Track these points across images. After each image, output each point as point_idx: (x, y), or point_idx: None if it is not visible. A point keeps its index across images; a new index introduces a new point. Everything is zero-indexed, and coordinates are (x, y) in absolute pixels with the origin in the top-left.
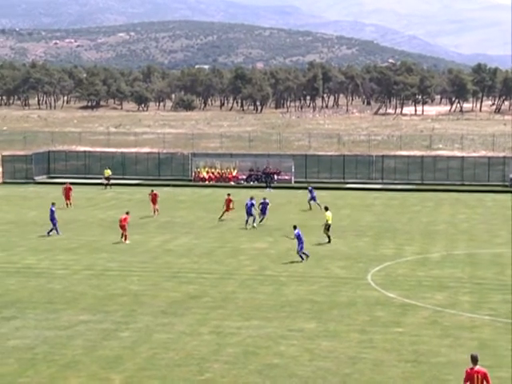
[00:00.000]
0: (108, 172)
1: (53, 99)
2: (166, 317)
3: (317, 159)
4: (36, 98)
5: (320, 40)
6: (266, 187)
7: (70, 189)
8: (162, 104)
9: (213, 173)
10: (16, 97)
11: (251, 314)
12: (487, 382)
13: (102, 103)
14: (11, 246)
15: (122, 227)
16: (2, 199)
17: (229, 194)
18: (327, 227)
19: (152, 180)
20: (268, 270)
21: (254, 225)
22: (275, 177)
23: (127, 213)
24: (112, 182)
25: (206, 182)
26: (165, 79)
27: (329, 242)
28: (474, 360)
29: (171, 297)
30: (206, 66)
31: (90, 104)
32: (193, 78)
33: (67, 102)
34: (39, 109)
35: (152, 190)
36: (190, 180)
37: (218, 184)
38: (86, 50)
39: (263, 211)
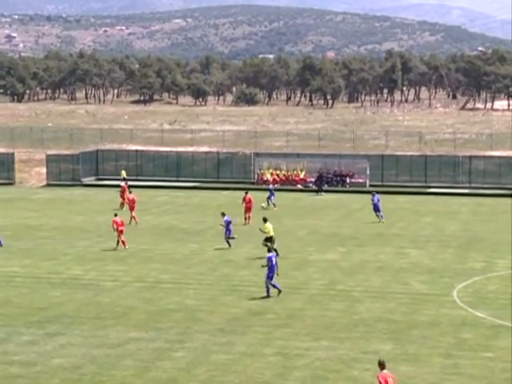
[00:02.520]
0: (123, 174)
1: (102, 93)
2: (224, 335)
3: (395, 160)
4: (83, 92)
5: (399, 25)
6: (317, 191)
7: (125, 189)
8: (221, 98)
9: (278, 175)
10: (62, 90)
11: (320, 333)
12: None
13: (155, 97)
14: (56, 254)
15: (120, 232)
16: (45, 203)
17: (246, 192)
18: (267, 239)
19: (210, 182)
20: (340, 284)
21: None
22: (347, 179)
23: (116, 215)
24: (165, 184)
25: (270, 186)
26: (225, 70)
27: (277, 254)
28: (382, 365)
29: (231, 313)
30: (271, 56)
31: (142, 98)
32: (256, 69)
33: (117, 96)
34: (87, 103)
35: (246, 193)
36: (253, 183)
37: (284, 187)
38: (139, 39)
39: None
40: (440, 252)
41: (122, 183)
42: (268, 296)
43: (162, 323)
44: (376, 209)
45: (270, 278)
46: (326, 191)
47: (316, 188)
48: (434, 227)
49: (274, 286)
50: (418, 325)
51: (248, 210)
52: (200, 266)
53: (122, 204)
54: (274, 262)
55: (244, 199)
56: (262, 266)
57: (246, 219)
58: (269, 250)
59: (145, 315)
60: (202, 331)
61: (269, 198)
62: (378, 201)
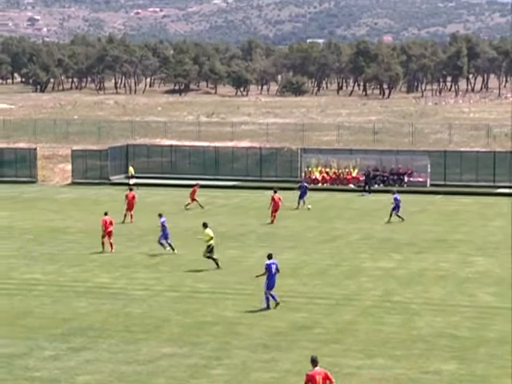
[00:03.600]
0: (131, 170)
1: (133, 81)
2: (267, 351)
3: (459, 157)
4: (113, 81)
5: (465, 6)
6: (363, 191)
7: (195, 191)
8: (265, 87)
9: (327, 173)
10: (89, 79)
11: (374, 350)
12: (330, 381)
13: (192, 86)
14: (82, 260)
15: (109, 233)
16: (70, 203)
17: (275, 191)
18: (208, 249)
19: (252, 181)
20: (396, 295)
21: None
22: (405, 178)
23: (106, 214)
24: (202, 183)
25: (319, 185)
26: (269, 57)
27: (217, 266)
28: (314, 362)
29: (274, 327)
30: (321, 41)
31: (177, 87)
32: (304, 55)
33: (150, 85)
34: (116, 93)
35: (275, 192)
36: (300, 182)
37: (334, 187)
38: (174, 22)
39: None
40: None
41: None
42: (268, 308)
43: (197, 337)
44: (397, 208)
45: (269, 287)
46: (380, 191)
47: (362, 188)
48: (504, 232)
49: (272, 297)
50: (485, 342)
51: (276, 210)
52: (240, 275)
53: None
54: (273, 271)
55: (273, 198)
56: (257, 276)
57: (272, 220)
58: (269, 257)
59: (179, 328)
60: (242, 347)
61: (301, 197)
62: (400, 201)
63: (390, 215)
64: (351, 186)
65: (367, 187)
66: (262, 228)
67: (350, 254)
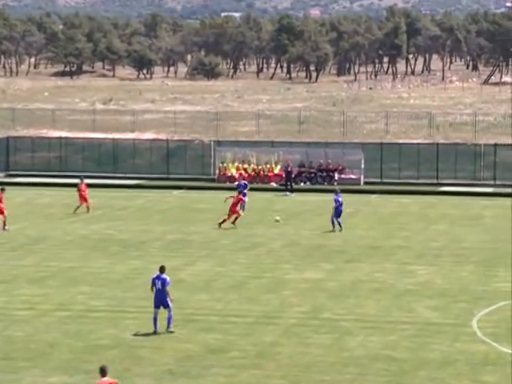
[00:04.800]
0: None
1: (14, 62)
2: (174, 379)
3: (398, 150)
4: None
5: None
6: (286, 191)
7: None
8: (172, 69)
9: (245, 169)
10: None
11: (299, 375)
12: None
13: (85, 68)
14: None
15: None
16: None
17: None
18: None
19: (157, 180)
20: (325, 311)
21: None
22: (336, 175)
23: (2, 189)
24: (98, 182)
25: (236, 183)
26: (177, 33)
27: None
28: (103, 371)
29: (183, 350)
30: (237, 14)
31: (67, 69)
32: (217, 31)
33: (35, 67)
34: None
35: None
36: (213, 180)
37: (254, 186)
38: None
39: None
40: (456, 270)
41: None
42: (155, 332)
43: (91, 364)
44: (338, 214)
45: (155, 305)
46: (307, 191)
47: (284, 187)
48: (448, 237)
49: (167, 321)
50: (426, 364)
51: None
52: (142, 289)
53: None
54: (157, 287)
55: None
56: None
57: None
58: (160, 270)
59: (69, 354)
60: (145, 374)
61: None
62: (341, 204)
63: (333, 222)
64: (273, 184)
65: (290, 186)
66: (169, 234)
67: (271, 263)
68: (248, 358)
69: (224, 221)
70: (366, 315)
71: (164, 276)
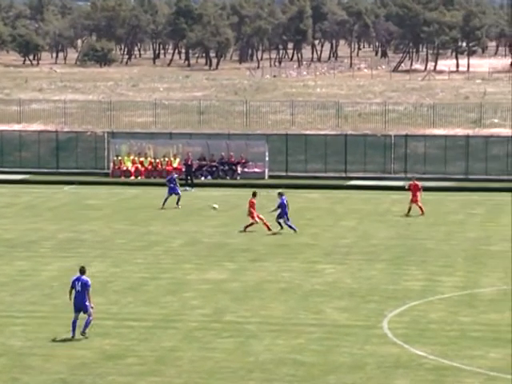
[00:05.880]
0: None
1: None
2: None
3: (304, 141)
4: None
5: None
6: (185, 185)
7: None
8: (61, 55)
9: (142, 163)
10: None
11: (202, 382)
12: None
13: None
14: None
15: None
16: None
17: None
18: None
19: (46, 174)
20: (228, 313)
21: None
22: (239, 169)
23: None
24: None
25: (132, 178)
26: (66, 16)
27: None
28: None
29: (76, 357)
30: None
31: None
32: (110, 14)
33: None
34: None
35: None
36: (107, 174)
37: (151, 181)
38: None
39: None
40: (365, 268)
41: None
42: (73, 337)
43: None
44: (283, 215)
45: (75, 309)
46: (208, 185)
47: (185, 181)
48: (357, 234)
49: (85, 324)
50: (335, 368)
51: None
52: (32, 293)
53: None
54: (77, 289)
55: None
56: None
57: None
58: (80, 271)
59: None
60: (35, 383)
61: (170, 192)
62: (286, 206)
63: (280, 224)
64: None
65: (190, 180)
66: (60, 233)
67: (170, 263)
68: (147, 365)
69: (251, 224)
70: (272, 317)
71: (85, 278)
